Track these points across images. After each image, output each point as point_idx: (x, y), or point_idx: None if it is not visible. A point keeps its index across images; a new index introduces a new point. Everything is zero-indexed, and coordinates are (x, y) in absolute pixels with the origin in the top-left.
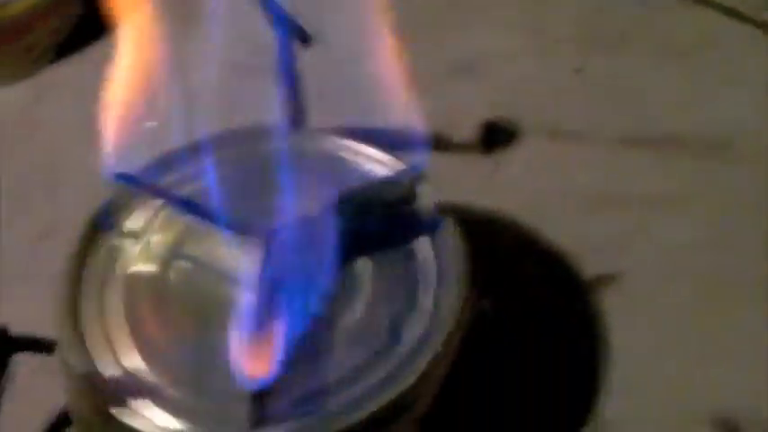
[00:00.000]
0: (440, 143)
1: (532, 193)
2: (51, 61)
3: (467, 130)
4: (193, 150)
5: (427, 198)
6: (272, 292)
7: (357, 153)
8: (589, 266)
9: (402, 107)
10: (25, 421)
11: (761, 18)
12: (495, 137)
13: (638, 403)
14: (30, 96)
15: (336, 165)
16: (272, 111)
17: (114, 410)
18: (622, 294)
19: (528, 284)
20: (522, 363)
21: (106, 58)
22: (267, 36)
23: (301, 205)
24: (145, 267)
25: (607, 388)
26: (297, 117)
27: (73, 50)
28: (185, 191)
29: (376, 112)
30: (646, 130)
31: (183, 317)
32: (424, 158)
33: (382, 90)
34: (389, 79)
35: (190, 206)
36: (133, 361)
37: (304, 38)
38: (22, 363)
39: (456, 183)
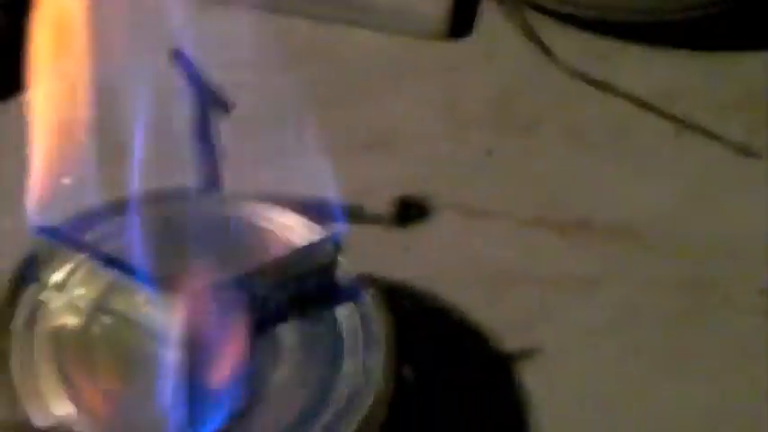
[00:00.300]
0: (354, 216)
1: (445, 267)
2: None
3: (381, 204)
4: (115, 207)
5: (347, 267)
6: (193, 351)
7: (275, 220)
8: (502, 341)
9: (318, 177)
10: None
11: (669, 111)
12: (409, 212)
13: None
14: None
15: (255, 231)
16: (190, 174)
17: None
18: (538, 372)
19: (444, 357)
20: None
21: (25, 112)
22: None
23: (221, 268)
24: (70, 320)
25: None
26: (211, 181)
27: None
28: (108, 246)
29: (292, 181)
30: (555, 212)
31: (110, 369)
32: (342, 227)
33: (298, 159)
34: (305, 149)
35: (112, 261)
36: (63, 411)
37: (223, 105)
38: None
39: (370, 256)
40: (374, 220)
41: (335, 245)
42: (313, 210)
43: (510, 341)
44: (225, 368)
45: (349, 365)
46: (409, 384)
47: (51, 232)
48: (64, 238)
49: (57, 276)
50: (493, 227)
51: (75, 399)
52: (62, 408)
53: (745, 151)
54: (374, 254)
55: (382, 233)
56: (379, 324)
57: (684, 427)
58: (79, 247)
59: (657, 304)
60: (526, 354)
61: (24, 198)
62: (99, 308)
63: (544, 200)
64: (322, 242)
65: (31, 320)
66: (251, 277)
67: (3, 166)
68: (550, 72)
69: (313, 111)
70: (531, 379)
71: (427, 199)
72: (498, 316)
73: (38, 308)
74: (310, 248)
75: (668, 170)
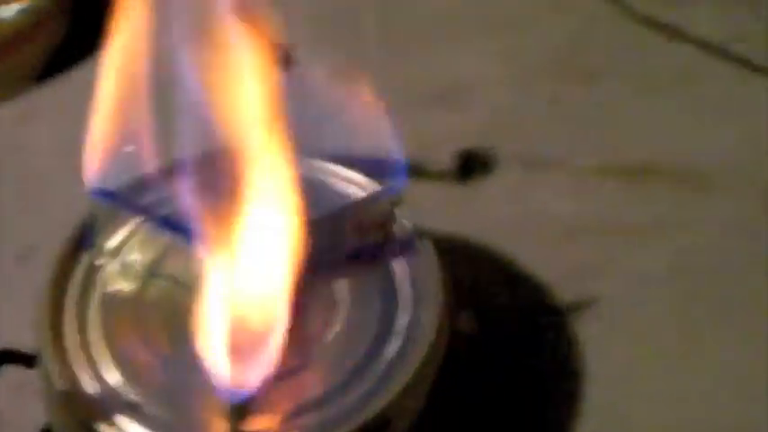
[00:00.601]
0: (416, 171)
1: (508, 221)
2: (36, 82)
3: (443, 158)
4: (173, 171)
5: (404, 220)
6: (249, 311)
7: (334, 175)
8: (564, 293)
9: (380, 133)
10: None
11: (738, 55)
12: (472, 165)
13: (615, 427)
14: (13, 117)
15: (314, 186)
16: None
17: (98, 426)
18: (599, 321)
19: (504, 311)
20: (499, 387)
21: (90, 80)
22: None
23: (278, 224)
24: (123, 285)
25: (584, 414)
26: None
27: (58, 72)
28: (164, 210)
29: (353, 138)
30: (621, 159)
31: (162, 334)
32: (401, 181)
33: (360, 116)
34: (367, 105)
35: (168, 224)
36: (114, 377)
37: (285, 61)
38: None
39: (432, 211)
40: (436, 175)
41: (393, 199)
42: (372, 165)
43: (572, 292)
44: (277, 326)
45: (402, 320)
46: (467, 337)
47: (108, 196)
48: (121, 201)
49: (112, 241)
50: (556, 178)
51: (127, 366)
52: (114, 374)
53: None
54: (436, 209)
55: (444, 188)
56: (434, 279)
57: (747, 377)
58: (136, 210)
59: (724, 251)
60: (587, 304)
61: (84, 163)
62: (154, 272)
63: (608, 148)
64: (379, 196)
65: (87, 286)
66: (306, 232)
67: (67, 135)
68: (617, 19)
69: (373, 64)
70: (593, 329)
71: (490, 152)
72: (560, 267)
73: (93, 273)
74: (367, 203)
75: (736, 115)
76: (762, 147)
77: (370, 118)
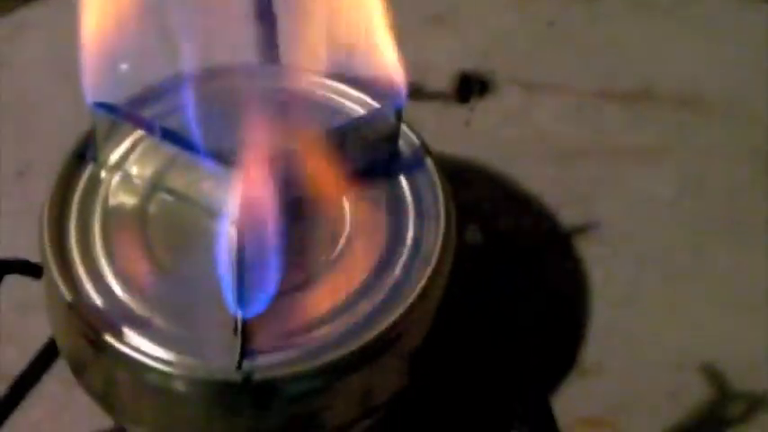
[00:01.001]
0: (415, 92)
1: (507, 142)
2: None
3: (442, 80)
4: (174, 84)
5: (411, 134)
6: (254, 226)
7: (337, 92)
8: (564, 215)
9: (380, 51)
10: (12, 356)
11: None
12: (470, 87)
13: (620, 349)
14: (3, 34)
15: (316, 102)
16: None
17: (105, 337)
18: (603, 243)
19: (506, 232)
20: (505, 307)
21: None
22: None
23: (283, 139)
24: (126, 199)
25: (590, 334)
26: (271, 57)
27: None
28: (166, 122)
29: (354, 56)
30: (620, 83)
31: (166, 249)
32: (403, 98)
33: (360, 34)
34: (367, 24)
35: (170, 137)
36: (119, 291)
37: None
38: (4, 299)
39: (431, 131)
40: (435, 96)
41: (397, 114)
42: (373, 83)
43: (572, 214)
44: (281, 242)
45: (409, 234)
46: (473, 250)
47: (109, 109)
48: (122, 114)
49: (114, 155)
50: (555, 100)
51: (132, 280)
52: (118, 287)
53: None
54: (435, 129)
55: (443, 109)
56: (439, 193)
57: (748, 295)
58: (137, 123)
59: (723, 174)
60: (588, 226)
61: (83, 77)
62: (156, 186)
63: (607, 71)
64: (383, 112)
65: (89, 199)
66: (310, 148)
67: (58, 53)
68: None
69: None
70: (593, 250)
71: (489, 74)
72: (560, 189)
73: (95, 186)
74: (371, 118)
75: (735, 38)
76: (759, 71)
77: (370, 37)
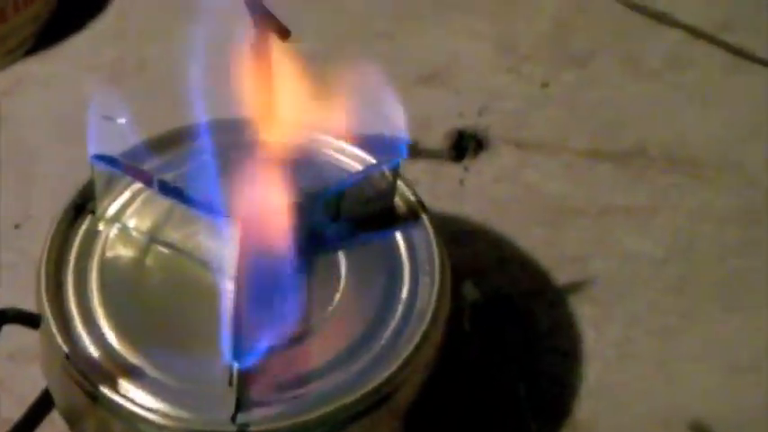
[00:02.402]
0: (410, 150)
1: (500, 201)
2: (24, 54)
3: (436, 138)
4: (173, 137)
5: (407, 191)
6: (251, 279)
7: (335, 148)
8: (557, 274)
9: (380, 108)
10: (6, 404)
11: (725, 41)
12: (465, 145)
13: (611, 406)
14: (2, 88)
15: (314, 158)
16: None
17: (100, 388)
18: (593, 302)
19: (498, 290)
20: (499, 363)
21: (78, 54)
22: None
23: (281, 195)
24: (124, 251)
25: (580, 395)
26: (269, 112)
27: (46, 45)
28: (165, 176)
29: (354, 112)
30: (611, 142)
31: (163, 301)
32: (401, 154)
33: (358, 91)
34: (366, 81)
35: (168, 189)
36: (115, 343)
37: (282, 32)
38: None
39: (426, 189)
40: (430, 154)
41: (394, 171)
42: (371, 140)
43: (565, 273)
44: (280, 295)
45: (404, 291)
46: (466, 309)
47: (109, 161)
48: (121, 166)
49: (113, 207)
50: (548, 159)
51: (128, 332)
52: (114, 339)
53: None
54: (429, 187)
55: (438, 167)
56: (435, 249)
57: (737, 355)
58: (136, 175)
59: (714, 235)
60: (581, 285)
61: (87, 130)
62: (154, 238)
63: (599, 131)
64: (380, 168)
65: (86, 251)
66: (308, 204)
67: (56, 107)
68: (606, 3)
69: (366, 44)
70: (586, 309)
71: (483, 132)
72: (553, 248)
73: (93, 238)
74: (368, 174)
75: (724, 100)
76: (748, 132)
77: (370, 94)
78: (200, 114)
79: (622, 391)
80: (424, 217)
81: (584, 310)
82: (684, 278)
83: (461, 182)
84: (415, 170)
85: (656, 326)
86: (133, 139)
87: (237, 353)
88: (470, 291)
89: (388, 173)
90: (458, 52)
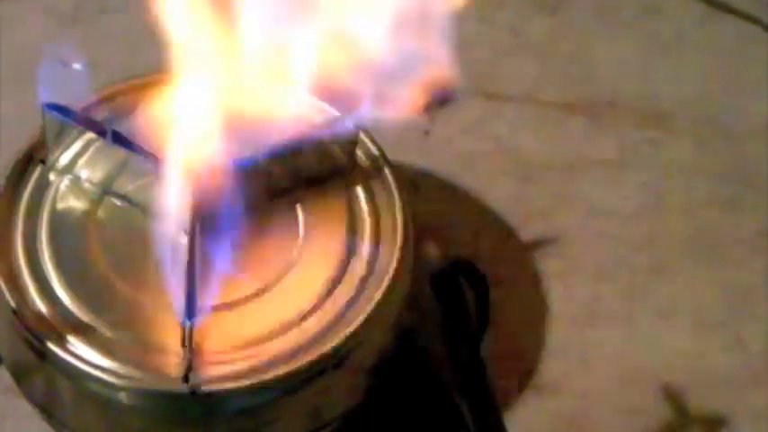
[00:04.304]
0: (376, 101)
1: (466, 154)
2: None
3: (402, 88)
4: (129, 87)
5: (371, 146)
6: (205, 233)
7: (298, 101)
8: (524, 229)
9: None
10: None
11: None
12: (432, 96)
13: (577, 367)
14: None
15: (275, 110)
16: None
17: (48, 345)
18: (562, 258)
19: (462, 245)
20: (460, 320)
21: None
22: None
23: (239, 147)
24: (75, 203)
25: (546, 352)
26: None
27: None
28: (118, 126)
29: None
30: (581, 94)
31: (115, 255)
32: (366, 108)
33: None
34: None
35: (122, 140)
36: (65, 299)
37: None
38: None
39: (391, 140)
40: (396, 105)
41: (357, 124)
42: (336, 94)
43: (532, 228)
44: (235, 252)
45: (365, 248)
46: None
47: (61, 110)
48: (73, 116)
49: (64, 157)
50: (517, 111)
51: (78, 287)
52: (64, 294)
53: None
54: (394, 138)
55: (404, 119)
56: (397, 206)
57: (707, 314)
58: (88, 125)
59: (685, 190)
60: (548, 241)
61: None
62: (106, 190)
63: (570, 82)
64: (343, 121)
65: (36, 203)
66: (265, 159)
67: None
68: None
69: None
70: (552, 265)
71: (451, 83)
72: (521, 202)
73: (44, 190)
74: (330, 128)
75: (698, 51)
76: (722, 84)
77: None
78: (158, 63)
79: (589, 352)
80: (388, 172)
81: (550, 267)
82: (654, 234)
83: (427, 133)
84: (380, 122)
85: (624, 283)
86: (89, 86)
87: (190, 310)
88: (430, 252)
89: (351, 126)
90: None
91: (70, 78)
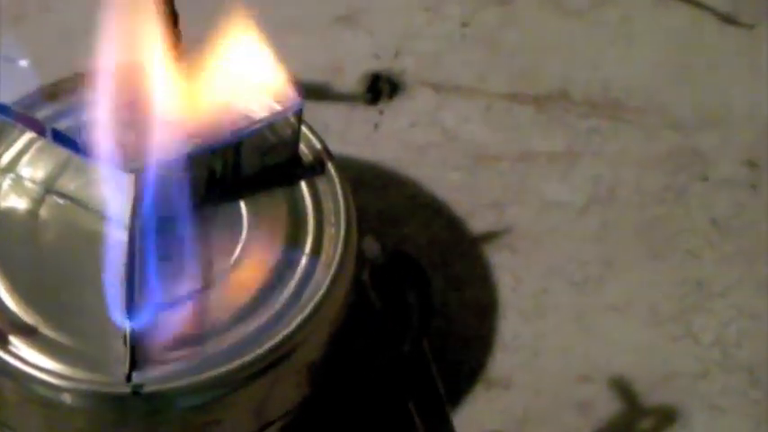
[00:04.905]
0: (322, 93)
1: (416, 146)
2: None
3: (350, 81)
4: (70, 84)
5: (313, 139)
6: (146, 232)
7: (238, 93)
8: (473, 221)
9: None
10: None
11: None
12: (380, 88)
13: (527, 361)
14: None
15: (216, 104)
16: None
17: None
18: (511, 251)
19: (410, 239)
20: (401, 315)
21: None
22: None
23: (179, 142)
24: (17, 202)
25: (496, 345)
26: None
27: None
28: (60, 124)
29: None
30: (531, 85)
31: (57, 254)
32: (301, 100)
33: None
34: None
35: (62, 139)
36: (6, 299)
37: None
38: None
39: (338, 133)
40: (343, 97)
41: (297, 117)
42: (275, 85)
43: (482, 221)
44: (177, 249)
45: (308, 243)
46: (374, 263)
47: (1, 109)
48: (13, 115)
49: (6, 156)
50: (466, 103)
51: (20, 287)
52: (7, 296)
53: (730, 20)
54: (342, 132)
55: (351, 110)
56: (340, 200)
57: (659, 307)
58: (28, 124)
59: (637, 181)
60: (498, 234)
61: None
62: (49, 189)
63: (519, 73)
64: (283, 114)
65: None
66: (205, 154)
67: None
68: None
69: None
70: (503, 258)
71: (398, 74)
72: (470, 194)
73: None
74: (271, 121)
75: (649, 40)
76: (674, 73)
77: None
78: (99, 60)
79: (539, 346)
80: (330, 165)
81: (500, 260)
82: (605, 226)
83: (376, 126)
84: (327, 114)
85: (575, 276)
86: (32, 84)
87: (131, 310)
88: (371, 247)
89: (291, 119)
90: None
91: (14, 75)
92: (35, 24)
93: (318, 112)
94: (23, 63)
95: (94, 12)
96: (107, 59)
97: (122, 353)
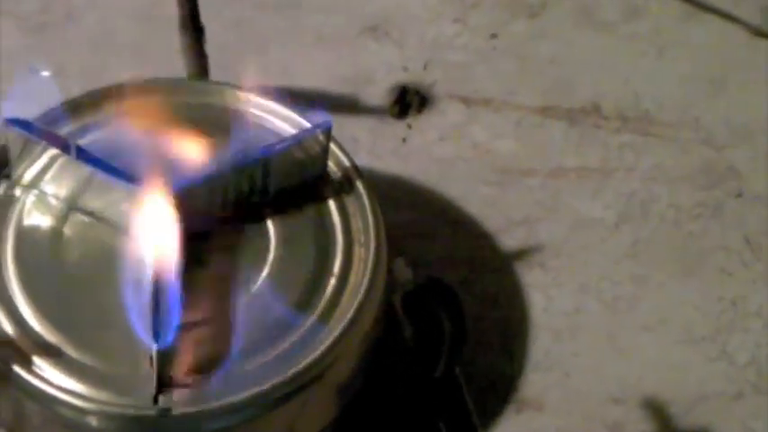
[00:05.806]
0: (350, 105)
1: (444, 160)
2: None
3: (379, 93)
4: (94, 99)
5: (342, 157)
6: (173, 251)
7: (266, 110)
8: (503, 239)
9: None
10: None
11: None
12: (408, 101)
13: (559, 381)
14: None
15: (244, 120)
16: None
17: (14, 368)
18: (543, 269)
19: (438, 255)
20: (433, 339)
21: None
22: None
23: (208, 161)
24: (41, 219)
25: (527, 366)
26: (199, 71)
27: None
28: (84, 140)
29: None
30: (563, 99)
31: (82, 273)
32: (330, 118)
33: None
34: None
35: (86, 156)
36: (30, 319)
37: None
38: None
39: (366, 147)
40: (371, 110)
41: (326, 135)
42: (303, 100)
43: (512, 238)
44: (204, 270)
45: (337, 263)
46: (404, 284)
47: (23, 125)
48: (36, 131)
49: (30, 172)
50: (496, 117)
51: (44, 306)
52: (30, 315)
53: (761, 33)
54: (370, 146)
55: (379, 124)
56: (369, 219)
57: (692, 326)
58: (51, 140)
59: (669, 197)
60: (529, 251)
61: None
62: (73, 206)
63: (550, 86)
64: (312, 132)
65: (2, 218)
66: (233, 173)
67: None
68: None
69: None
70: (535, 276)
71: (428, 87)
72: (500, 211)
73: (9, 205)
74: (299, 138)
75: (681, 53)
76: (703, 88)
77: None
78: (124, 74)
79: (571, 366)
80: (359, 183)
81: (531, 278)
82: (638, 244)
83: (404, 140)
84: (355, 128)
85: (607, 295)
86: (55, 96)
87: (158, 331)
88: (402, 270)
89: (320, 136)
90: (402, 1)
91: (38, 87)
92: (58, 34)
93: (346, 126)
94: (45, 74)
95: (119, 20)
96: (132, 72)
97: (149, 374)
